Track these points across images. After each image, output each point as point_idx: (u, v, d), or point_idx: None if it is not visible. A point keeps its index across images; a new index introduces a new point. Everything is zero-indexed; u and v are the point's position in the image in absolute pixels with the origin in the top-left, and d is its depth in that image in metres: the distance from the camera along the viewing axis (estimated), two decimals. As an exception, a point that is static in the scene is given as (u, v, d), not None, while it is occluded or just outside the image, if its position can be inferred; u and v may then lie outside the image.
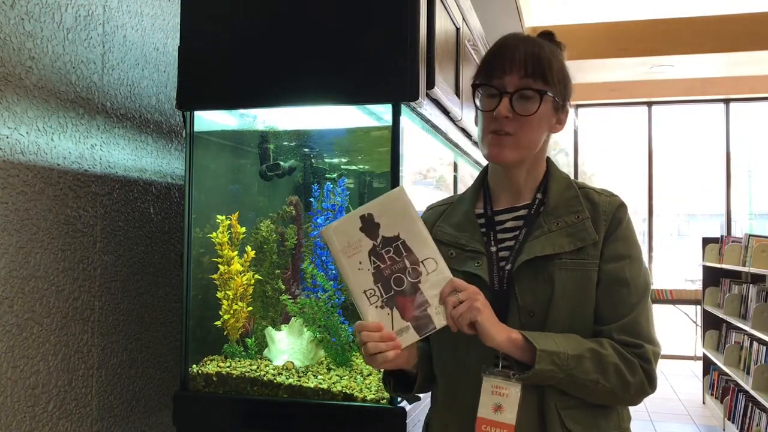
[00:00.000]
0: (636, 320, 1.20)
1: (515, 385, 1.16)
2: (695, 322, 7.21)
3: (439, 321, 1.15)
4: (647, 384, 1.19)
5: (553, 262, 1.20)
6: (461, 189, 1.41)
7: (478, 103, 1.28)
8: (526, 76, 1.21)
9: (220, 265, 2.01)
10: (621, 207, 1.26)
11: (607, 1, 5.80)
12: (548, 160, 1.37)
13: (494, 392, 1.17)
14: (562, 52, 1.31)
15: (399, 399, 1.69)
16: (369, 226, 1.18)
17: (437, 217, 1.38)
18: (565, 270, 1.20)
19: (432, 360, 1.33)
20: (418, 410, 1.77)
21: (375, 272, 1.16)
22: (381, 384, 1.72)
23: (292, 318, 2.02)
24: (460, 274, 1.22)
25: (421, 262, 1.16)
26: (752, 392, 4.25)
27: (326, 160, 2.39)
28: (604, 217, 1.24)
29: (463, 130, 2.49)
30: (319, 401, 1.78)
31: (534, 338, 1.14)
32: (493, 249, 1.27)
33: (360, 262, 1.17)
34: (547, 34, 1.32)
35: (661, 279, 8.18)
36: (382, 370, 1.38)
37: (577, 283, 1.20)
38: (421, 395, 1.36)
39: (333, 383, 1.82)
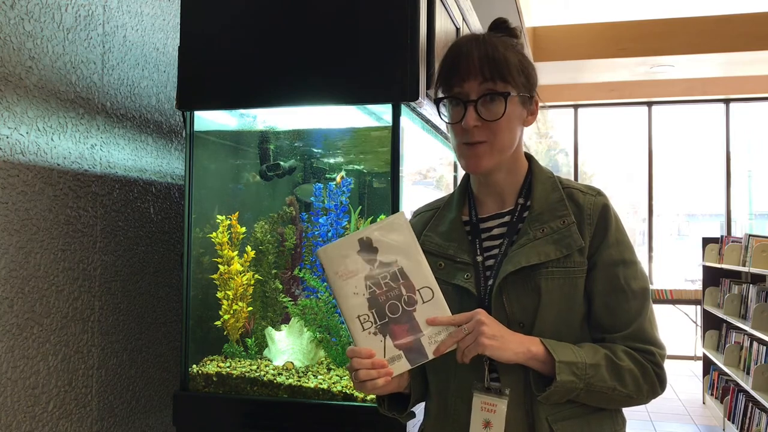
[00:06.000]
0: (641, 327, 1.19)
1: (502, 400, 1.15)
2: (695, 322, 7.21)
3: (432, 352, 1.13)
4: (658, 386, 1.19)
5: (539, 270, 1.18)
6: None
7: (444, 115, 1.24)
8: (485, 80, 1.17)
9: (220, 265, 2.01)
10: (605, 208, 1.22)
11: (607, 1, 5.80)
12: (531, 157, 1.32)
13: (483, 408, 1.16)
14: (519, 39, 1.25)
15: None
16: (367, 250, 1.15)
17: (424, 224, 1.34)
18: (552, 279, 1.18)
19: (425, 375, 1.32)
20: (417, 411, 1.76)
21: (370, 297, 1.13)
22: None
23: (292, 318, 2.02)
24: (450, 287, 1.21)
25: (418, 290, 1.14)
26: (752, 392, 4.25)
27: (326, 160, 2.39)
28: (588, 221, 1.21)
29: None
30: (319, 401, 1.78)
31: (553, 349, 1.12)
32: (479, 259, 1.24)
33: (355, 287, 1.14)
34: (501, 24, 1.26)
35: (661, 279, 8.18)
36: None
37: (564, 291, 1.18)
38: (415, 410, 1.34)
39: (333, 383, 1.82)
